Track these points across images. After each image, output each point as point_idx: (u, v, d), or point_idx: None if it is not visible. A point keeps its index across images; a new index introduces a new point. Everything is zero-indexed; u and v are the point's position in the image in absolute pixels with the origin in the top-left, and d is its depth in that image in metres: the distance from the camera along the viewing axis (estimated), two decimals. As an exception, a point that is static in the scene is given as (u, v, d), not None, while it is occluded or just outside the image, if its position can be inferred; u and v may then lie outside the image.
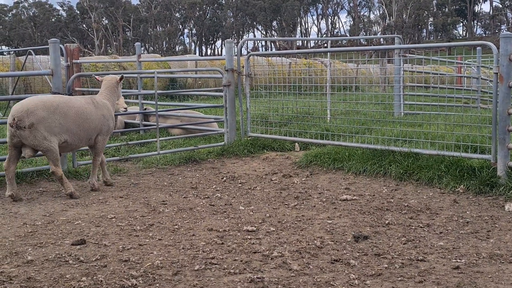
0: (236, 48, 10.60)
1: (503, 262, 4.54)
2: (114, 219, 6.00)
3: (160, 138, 9.58)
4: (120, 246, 5.03)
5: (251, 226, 5.61)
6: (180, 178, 8.29)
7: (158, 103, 10.34)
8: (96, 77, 8.07)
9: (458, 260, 4.57)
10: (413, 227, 5.56)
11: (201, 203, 6.73)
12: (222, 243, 5.11)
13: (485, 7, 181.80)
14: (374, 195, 6.92)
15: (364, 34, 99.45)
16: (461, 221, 5.77)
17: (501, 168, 6.87)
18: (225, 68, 10.16)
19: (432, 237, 5.25)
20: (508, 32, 7.15)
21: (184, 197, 7.06)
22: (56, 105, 6.76)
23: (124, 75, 8.35)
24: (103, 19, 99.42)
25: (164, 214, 6.23)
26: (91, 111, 7.16)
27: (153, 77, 9.57)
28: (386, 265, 4.48)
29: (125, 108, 8.66)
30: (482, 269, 4.38)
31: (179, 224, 5.80)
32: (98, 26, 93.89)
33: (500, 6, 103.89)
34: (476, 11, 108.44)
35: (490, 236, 5.24)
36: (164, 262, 4.61)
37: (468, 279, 4.19)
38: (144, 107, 12.11)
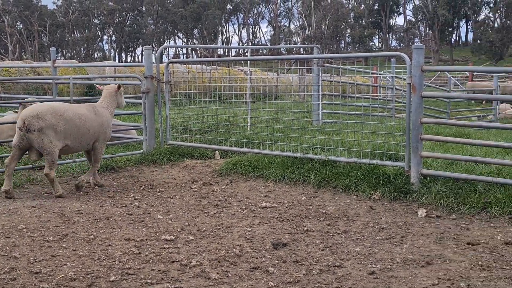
0: (155, 55, 10.47)
1: (416, 267, 4.67)
2: (25, 229, 5.75)
3: (76, 146, 9.28)
4: (31, 258, 4.81)
5: (170, 235, 5.52)
6: (97, 187, 8.06)
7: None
8: (98, 86, 8.57)
9: (374, 266, 4.67)
10: (331, 234, 5.64)
11: (118, 212, 6.56)
12: (139, 253, 4.99)
13: (399, 21, 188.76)
14: (293, 203, 6.98)
15: (285, 43, 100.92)
16: (376, 227, 5.90)
17: (414, 176, 7.09)
18: (144, 75, 10.01)
19: (349, 243, 5.34)
20: (420, 44, 7.41)
21: (100, 206, 6.87)
22: (63, 111, 7.31)
23: (39, 81, 8.29)
24: (18, 23, 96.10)
25: (79, 224, 6.03)
26: (92, 118, 7.71)
27: (69, 83, 9.28)
28: (304, 272, 4.51)
29: None
30: (396, 274, 4.48)
31: (95, 234, 5.63)
32: (12, 30, 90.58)
33: (413, 20, 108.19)
34: (391, 24, 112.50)
35: (404, 242, 5.39)
36: (78, 273, 4.45)
37: (383, 284, 4.28)
38: (60, 114, 11.72)
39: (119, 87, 8.25)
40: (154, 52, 10.54)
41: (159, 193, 7.62)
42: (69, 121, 7.33)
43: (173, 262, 4.77)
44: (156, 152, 9.84)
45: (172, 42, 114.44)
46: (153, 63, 10.33)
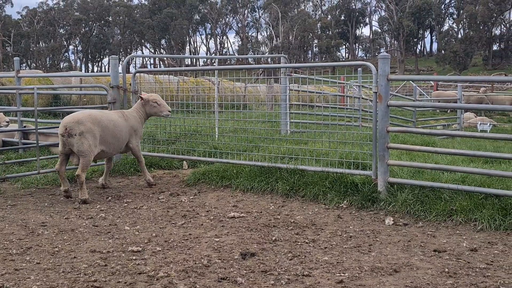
0: (122, 65, 10.37)
1: (383, 275, 4.68)
2: (-13, 243, 5.62)
3: (41, 157, 9.14)
4: (-6, 272, 4.70)
5: (137, 247, 5.45)
6: (62, 198, 7.93)
7: (40, 120, 9.89)
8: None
9: (342, 274, 4.67)
10: (299, 243, 5.63)
11: (84, 223, 6.46)
12: (106, 265, 4.91)
13: (366, 31, 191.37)
14: (261, 212, 6.96)
15: (252, 54, 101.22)
16: (344, 235, 5.91)
17: (381, 184, 7.14)
18: (110, 85, 9.91)
19: (317, 252, 5.34)
20: (386, 54, 7.47)
21: (65, 218, 6.75)
22: (99, 118, 7.91)
23: (3, 91, 8.34)
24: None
25: (43, 236, 5.91)
26: (122, 123, 8.33)
27: (33, 93, 9.13)
28: (272, 282, 4.49)
29: (7, 122, 10.38)
30: (364, 282, 4.49)
31: (60, 246, 5.52)
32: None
33: (379, 30, 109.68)
34: (357, 34, 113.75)
35: (372, 250, 5.41)
36: (42, 287, 4.36)
37: (352, 292, 4.27)
38: (24, 124, 11.54)
39: (141, 99, 8.73)
40: (120, 62, 10.43)
41: (126, 204, 7.53)
42: (105, 128, 7.95)
43: (140, 273, 4.70)
44: (123, 163, 9.74)
45: (139, 52, 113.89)
46: (120, 73, 10.23)
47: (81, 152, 7.64)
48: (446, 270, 4.77)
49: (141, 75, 11.45)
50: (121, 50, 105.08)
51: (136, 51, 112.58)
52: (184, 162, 9.94)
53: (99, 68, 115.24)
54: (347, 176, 7.57)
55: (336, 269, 4.83)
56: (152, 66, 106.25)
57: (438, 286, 4.41)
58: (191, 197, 7.89)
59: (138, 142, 8.68)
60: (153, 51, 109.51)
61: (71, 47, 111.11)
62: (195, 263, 4.96)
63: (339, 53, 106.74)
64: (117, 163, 9.72)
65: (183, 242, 5.67)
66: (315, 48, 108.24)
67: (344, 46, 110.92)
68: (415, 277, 4.62)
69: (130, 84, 10.28)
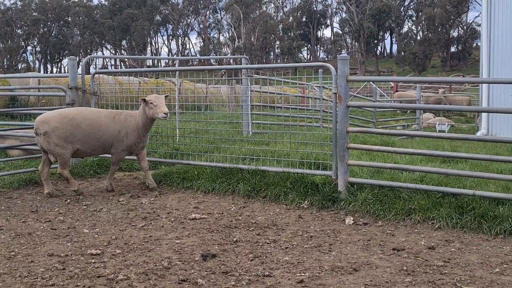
0: (80, 66, 10.22)
1: (343, 274, 4.72)
2: None
3: (-3, 160, 8.95)
4: None
5: (96, 250, 5.37)
6: (19, 201, 7.78)
7: (-5, 122, 9.67)
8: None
9: (302, 274, 4.69)
10: (260, 244, 5.63)
11: (42, 227, 6.34)
12: (64, 269, 4.83)
13: (327, 33, 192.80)
14: (222, 213, 6.94)
15: (214, 55, 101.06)
16: (305, 235, 5.94)
17: (341, 184, 7.20)
18: (68, 86, 9.75)
19: (278, 252, 5.35)
20: (345, 55, 7.53)
21: (23, 221, 6.62)
22: (71, 117, 7.85)
23: None
24: None
25: (-1, 240, 5.79)
26: (106, 124, 8.05)
27: (-11, 94, 8.94)
28: (233, 283, 4.48)
29: None
30: (324, 282, 4.52)
31: (16, 250, 5.41)
32: None
33: (340, 32, 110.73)
34: (319, 36, 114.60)
35: (332, 249, 5.45)
36: (-3, 292, 4.26)
37: (312, 291, 4.29)
38: (-20, 126, 11.28)
39: (143, 100, 8.20)
40: (80, 63, 10.27)
41: (85, 207, 7.42)
42: (77, 126, 7.83)
43: (99, 277, 4.64)
44: (82, 165, 9.60)
45: (99, 53, 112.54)
46: (79, 74, 10.07)
47: (50, 151, 7.75)
48: (405, 268, 4.84)
49: (100, 76, 11.29)
50: (81, 51, 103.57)
51: (97, 52, 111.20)
52: (145, 163, 9.84)
53: (58, 69, 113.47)
54: (308, 177, 7.61)
55: (296, 269, 4.85)
56: (113, 67, 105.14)
57: (396, 284, 4.47)
58: (151, 199, 7.82)
59: (121, 148, 8.16)
60: (113, 52, 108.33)
61: (29, 47, 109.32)
62: (155, 265, 4.92)
63: (301, 55, 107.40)
64: (76, 165, 9.58)
65: (143, 245, 5.62)
66: (277, 49, 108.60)
67: (305, 48, 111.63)
68: (375, 275, 4.67)
69: (89, 85, 10.14)
